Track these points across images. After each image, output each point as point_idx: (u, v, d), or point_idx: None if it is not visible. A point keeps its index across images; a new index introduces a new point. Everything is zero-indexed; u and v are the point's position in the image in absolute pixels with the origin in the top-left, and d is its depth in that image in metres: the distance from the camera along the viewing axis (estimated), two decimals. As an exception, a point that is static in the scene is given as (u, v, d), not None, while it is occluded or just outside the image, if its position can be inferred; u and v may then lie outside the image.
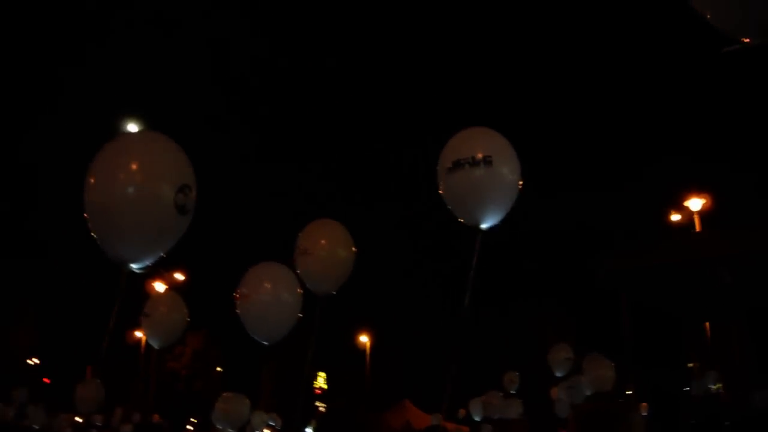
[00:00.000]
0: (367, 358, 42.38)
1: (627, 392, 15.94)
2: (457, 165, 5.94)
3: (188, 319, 9.72)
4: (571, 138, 46.54)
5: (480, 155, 5.90)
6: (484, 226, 6.08)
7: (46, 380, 40.33)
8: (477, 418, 17.40)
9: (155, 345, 9.60)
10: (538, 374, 17.93)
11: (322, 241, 7.62)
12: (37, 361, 43.93)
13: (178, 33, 54.71)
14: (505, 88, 50.56)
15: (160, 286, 31.15)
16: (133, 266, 4.35)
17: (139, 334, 37.99)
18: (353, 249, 7.75)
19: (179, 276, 33.72)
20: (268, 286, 7.40)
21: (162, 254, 4.61)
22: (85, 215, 4.37)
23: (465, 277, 6.10)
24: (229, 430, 11.17)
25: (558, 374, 13.60)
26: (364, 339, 42.69)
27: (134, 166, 4.37)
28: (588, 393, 11.71)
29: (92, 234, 4.36)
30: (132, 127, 23.84)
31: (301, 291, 7.48)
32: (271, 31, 54.05)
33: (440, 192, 6.34)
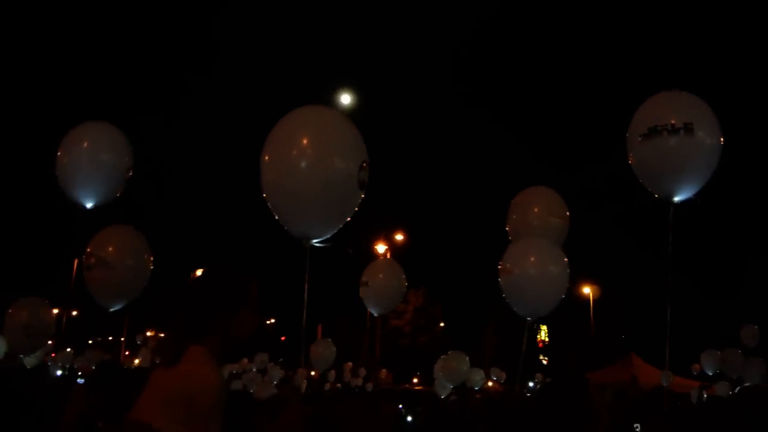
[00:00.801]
0: (591, 310, 41.29)
1: None
2: (654, 132, 5.39)
3: (406, 284, 9.69)
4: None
5: (679, 122, 5.32)
6: (677, 199, 5.54)
7: (282, 338, 43.63)
8: (709, 372, 16.25)
9: (375, 312, 9.63)
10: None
11: (535, 209, 7.46)
12: (273, 320, 47.61)
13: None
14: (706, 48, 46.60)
15: (381, 248, 32.33)
16: (314, 241, 4.39)
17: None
18: (567, 214, 7.52)
19: (399, 237, 34.67)
20: (534, 260, 6.82)
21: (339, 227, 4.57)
22: (264, 194, 4.40)
23: (666, 243, 5.60)
24: (449, 384, 11.45)
25: None
26: (587, 291, 41.54)
27: (319, 145, 4.34)
28: None
29: (273, 212, 4.40)
30: (346, 99, 24.52)
31: (567, 261, 6.89)
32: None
33: (630, 162, 5.79)
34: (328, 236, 4.49)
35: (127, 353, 28.60)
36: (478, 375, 16.30)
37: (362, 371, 25.68)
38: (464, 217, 57.11)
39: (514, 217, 7.59)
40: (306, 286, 4.25)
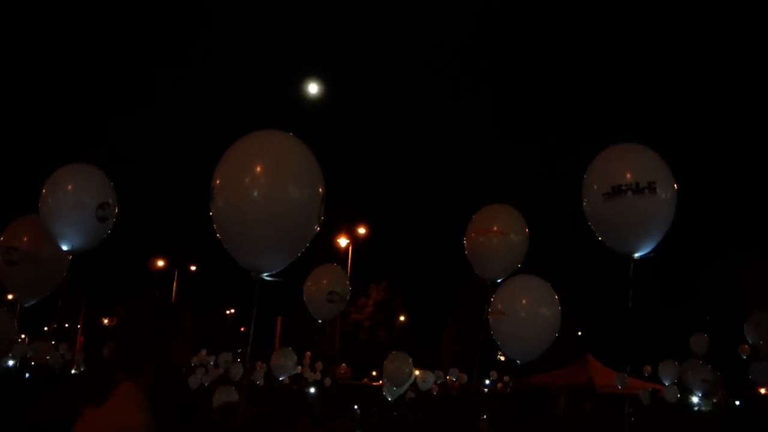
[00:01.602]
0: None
1: None
2: (617, 191, 5.27)
3: (350, 290, 9.51)
4: None
5: (644, 181, 5.23)
6: (637, 255, 5.49)
7: (242, 329, 43.53)
8: (666, 383, 15.95)
9: (317, 318, 9.49)
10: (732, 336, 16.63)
11: (495, 228, 7.33)
12: (233, 310, 47.47)
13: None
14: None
15: (343, 241, 32.27)
16: (265, 275, 4.20)
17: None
18: (526, 231, 7.44)
19: (361, 230, 34.62)
20: (525, 302, 6.61)
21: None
22: (213, 221, 4.16)
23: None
24: (393, 387, 11.38)
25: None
26: None
27: (274, 174, 4.10)
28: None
29: (222, 240, 4.16)
30: (313, 88, 24.36)
31: (558, 300, 6.74)
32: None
33: (587, 214, 5.69)
34: (279, 270, 4.28)
35: (81, 339, 28.18)
36: (428, 377, 16.35)
37: (320, 365, 25.53)
38: (427, 210, 57.34)
39: (473, 234, 7.46)
40: (253, 321, 4.11)
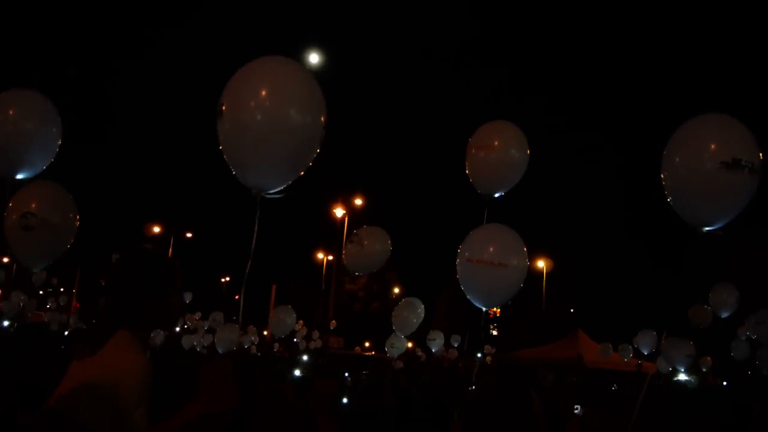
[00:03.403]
0: (544, 283, 41.37)
1: None
2: (737, 165, 4.98)
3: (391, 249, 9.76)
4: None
5: (759, 162, 5.03)
6: (707, 229, 5.31)
7: (237, 297, 43.64)
8: (644, 351, 15.93)
9: (354, 272, 9.76)
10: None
11: (496, 142, 7.35)
12: (228, 278, 47.62)
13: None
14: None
15: (339, 212, 32.26)
16: (267, 193, 4.35)
17: (321, 255, 39.99)
18: (527, 151, 7.45)
19: (358, 201, 34.61)
20: (492, 250, 6.60)
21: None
22: (220, 143, 4.32)
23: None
24: (401, 335, 11.53)
25: None
26: (540, 264, 41.45)
27: (278, 97, 4.31)
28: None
29: (228, 162, 4.33)
30: (311, 58, 24.27)
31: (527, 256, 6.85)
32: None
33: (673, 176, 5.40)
34: (280, 188, 4.45)
35: (77, 305, 28.27)
36: (438, 336, 16.60)
37: (316, 334, 25.61)
38: (425, 182, 57.26)
39: (473, 150, 7.41)
40: (254, 237, 4.21)
